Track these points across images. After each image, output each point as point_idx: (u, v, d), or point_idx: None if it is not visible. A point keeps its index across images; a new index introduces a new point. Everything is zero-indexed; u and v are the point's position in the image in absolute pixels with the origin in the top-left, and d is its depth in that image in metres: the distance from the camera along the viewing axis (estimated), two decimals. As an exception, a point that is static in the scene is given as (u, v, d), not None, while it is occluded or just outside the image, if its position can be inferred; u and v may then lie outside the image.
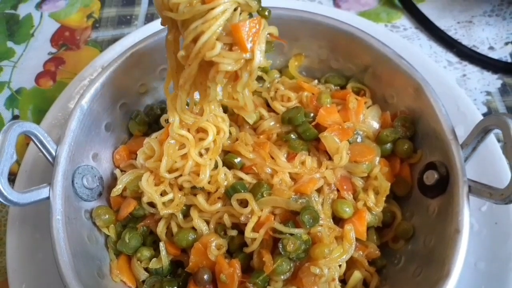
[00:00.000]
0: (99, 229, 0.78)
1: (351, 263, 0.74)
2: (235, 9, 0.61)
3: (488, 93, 1.02)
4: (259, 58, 0.61)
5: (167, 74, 0.71)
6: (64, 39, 1.19)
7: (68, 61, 1.15)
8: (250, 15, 0.62)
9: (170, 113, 0.73)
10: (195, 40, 0.61)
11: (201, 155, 0.74)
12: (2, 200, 0.63)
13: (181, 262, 0.76)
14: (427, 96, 0.75)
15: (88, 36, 1.19)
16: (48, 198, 0.69)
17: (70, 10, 1.24)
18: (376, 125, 0.83)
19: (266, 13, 0.64)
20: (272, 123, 0.82)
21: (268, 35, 0.63)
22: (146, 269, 0.76)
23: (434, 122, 0.74)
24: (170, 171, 0.75)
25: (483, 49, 1.09)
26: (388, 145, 0.81)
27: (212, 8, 0.59)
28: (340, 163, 0.76)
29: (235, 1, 0.60)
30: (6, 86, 1.11)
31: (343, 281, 0.74)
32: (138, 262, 0.75)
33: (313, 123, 0.80)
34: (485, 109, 0.99)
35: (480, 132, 0.67)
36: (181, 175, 0.74)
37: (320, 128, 0.80)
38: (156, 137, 0.79)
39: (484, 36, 1.11)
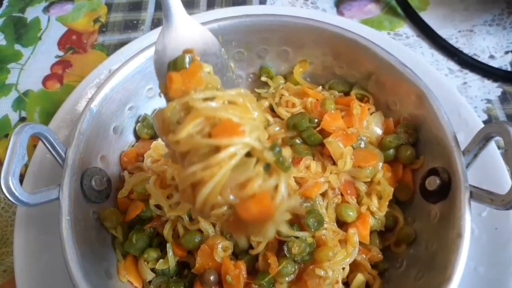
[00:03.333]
0: (107, 230, 0.79)
1: (354, 266, 0.75)
2: (248, 154, 0.47)
3: (489, 101, 1.03)
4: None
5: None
6: (71, 42, 1.20)
7: (75, 64, 1.16)
8: (267, 165, 0.48)
9: None
10: (193, 186, 0.48)
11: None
12: (13, 200, 0.64)
13: (187, 263, 0.77)
14: (430, 103, 0.76)
15: (95, 40, 1.20)
16: (57, 199, 0.69)
17: (77, 14, 1.26)
18: (379, 131, 0.85)
19: (287, 165, 0.48)
20: (277, 128, 0.83)
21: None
22: (153, 270, 0.76)
23: (437, 129, 0.75)
24: (176, 175, 0.75)
25: (483, 58, 1.10)
26: (391, 151, 0.82)
27: (218, 149, 0.46)
28: (344, 168, 0.77)
29: (247, 144, 0.47)
30: (14, 88, 1.12)
31: (346, 283, 0.75)
32: (145, 262, 0.76)
33: (318, 129, 0.81)
34: (485, 117, 1.01)
35: (482, 139, 0.68)
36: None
37: (324, 133, 0.81)
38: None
39: (484, 45, 1.12)
